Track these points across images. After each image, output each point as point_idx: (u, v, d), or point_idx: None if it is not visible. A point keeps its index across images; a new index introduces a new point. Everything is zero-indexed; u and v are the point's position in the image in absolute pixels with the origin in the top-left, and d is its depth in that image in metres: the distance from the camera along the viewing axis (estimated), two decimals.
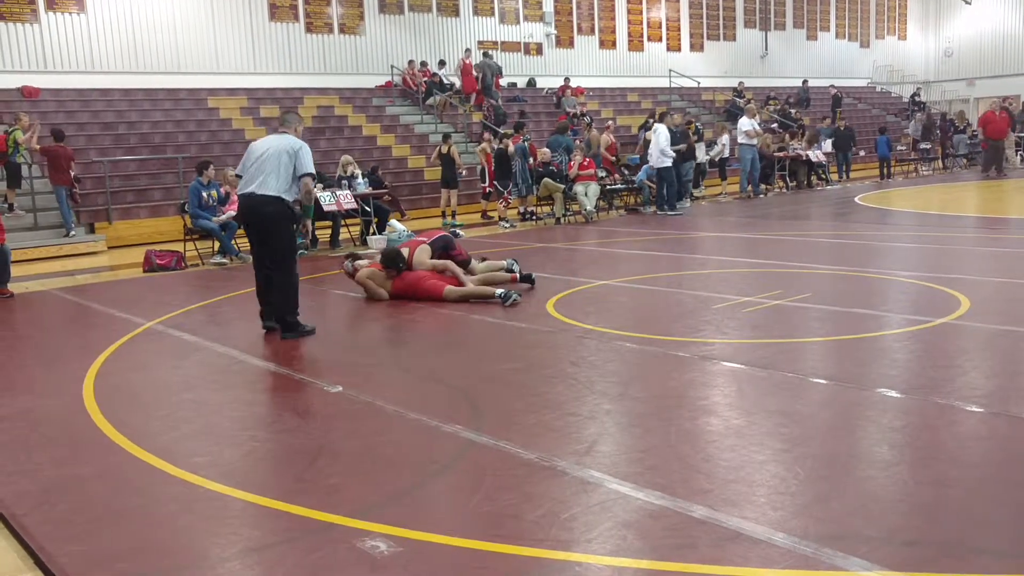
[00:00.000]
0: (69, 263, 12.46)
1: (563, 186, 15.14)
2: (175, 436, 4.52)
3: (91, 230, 14.41)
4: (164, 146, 16.81)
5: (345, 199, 12.65)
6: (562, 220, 15.16)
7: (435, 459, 3.99)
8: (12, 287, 9.61)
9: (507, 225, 14.84)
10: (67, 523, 3.48)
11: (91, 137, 16.50)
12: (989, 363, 5.29)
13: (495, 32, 24.52)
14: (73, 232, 13.87)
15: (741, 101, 24.58)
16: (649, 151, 15.90)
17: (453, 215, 15.74)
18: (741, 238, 12.27)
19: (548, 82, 24.77)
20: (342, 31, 21.57)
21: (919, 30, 36.82)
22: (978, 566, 2.82)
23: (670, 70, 27.16)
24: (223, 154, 16.13)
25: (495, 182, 15.55)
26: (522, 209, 15.68)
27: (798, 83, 29.55)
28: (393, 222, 12.88)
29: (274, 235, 6.75)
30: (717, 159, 19.76)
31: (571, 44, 26.28)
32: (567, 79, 24.26)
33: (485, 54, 22.70)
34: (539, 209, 15.82)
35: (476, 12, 24.08)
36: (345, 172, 13.60)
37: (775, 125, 23.72)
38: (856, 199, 17.41)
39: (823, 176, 20.93)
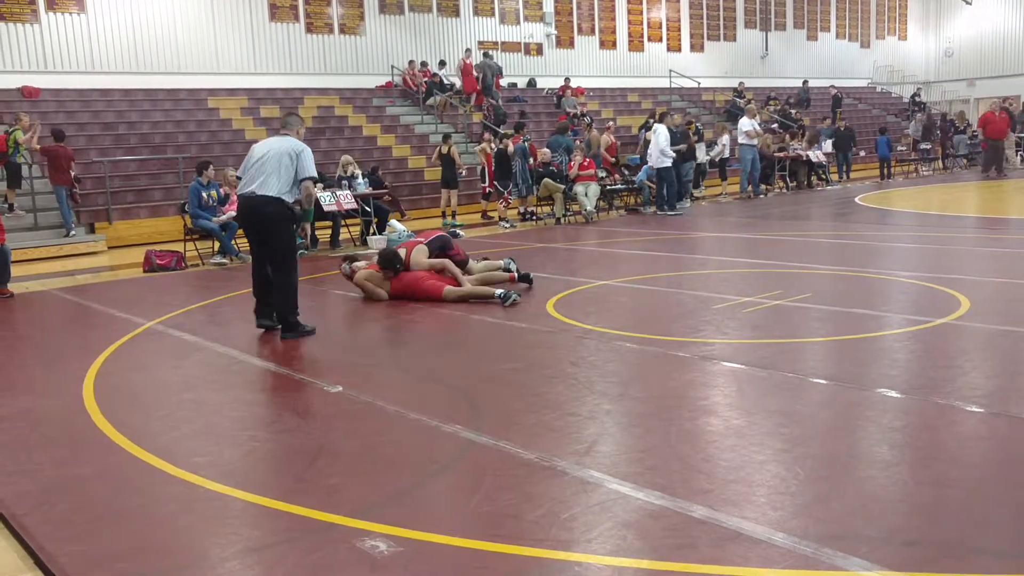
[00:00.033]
0: (69, 263, 12.46)
1: (563, 186, 15.15)
2: (175, 436, 4.52)
3: (91, 230, 14.41)
4: (164, 146, 16.82)
5: (345, 199, 12.65)
6: (562, 220, 15.16)
7: (435, 459, 3.99)
8: (12, 287, 9.62)
9: (507, 225, 14.84)
10: (67, 523, 3.48)
11: (91, 137, 16.50)
12: (989, 363, 5.29)
13: (495, 32, 24.53)
14: (73, 232, 13.87)
15: (741, 101, 24.58)
16: (649, 151, 15.91)
17: (453, 215, 15.74)
18: (741, 238, 12.27)
19: (548, 82, 24.78)
20: (342, 31, 21.58)
21: (919, 30, 36.83)
22: (978, 566, 2.82)
23: (670, 70, 27.17)
24: (223, 154, 16.13)
25: (495, 182, 15.56)
26: (522, 209, 15.68)
27: (798, 83, 29.56)
28: (393, 222, 12.89)
29: (274, 235, 6.75)
30: (717, 159, 19.77)
31: (571, 44, 26.28)
32: (567, 79, 24.27)
33: (485, 54, 22.70)
34: (539, 209, 15.82)
35: (476, 12, 24.09)
36: (345, 172, 13.60)
37: (775, 125, 23.72)
38: (856, 199, 17.41)
39: (823, 176, 20.93)
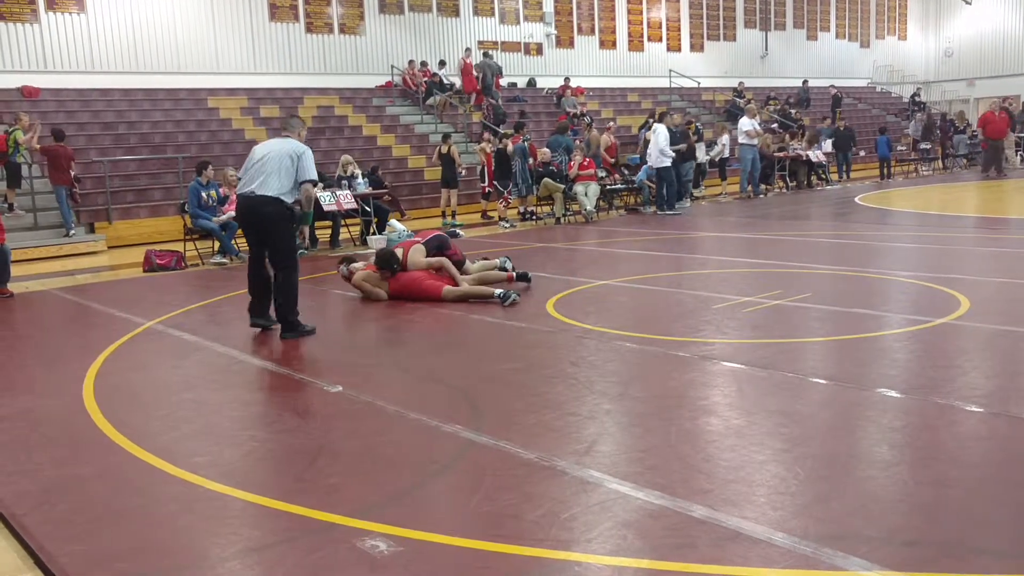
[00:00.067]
0: (69, 263, 12.46)
1: (563, 186, 15.15)
2: (175, 436, 4.52)
3: (91, 230, 14.41)
4: (164, 146, 16.82)
5: (345, 199, 12.65)
6: (562, 220, 15.16)
7: (435, 459, 3.99)
8: (12, 287, 9.62)
9: (507, 225, 14.85)
10: (67, 523, 3.48)
11: (91, 137, 16.50)
12: (989, 363, 5.29)
13: (495, 32, 24.52)
14: (73, 232, 13.87)
15: (741, 101, 24.59)
16: (648, 151, 15.91)
17: (453, 215, 15.74)
18: (741, 238, 12.27)
19: (548, 82, 24.78)
20: (342, 31, 21.58)
21: (919, 30, 36.83)
22: (978, 566, 2.82)
23: (670, 70, 27.16)
24: (223, 154, 16.14)
25: (495, 182, 15.56)
26: (522, 209, 15.68)
27: (798, 83, 29.56)
28: (393, 222, 12.88)
29: (273, 235, 6.75)
30: (717, 159, 19.77)
31: (571, 44, 26.28)
32: (567, 79, 24.27)
33: (485, 54, 22.70)
34: (539, 209, 15.82)
35: (476, 12, 24.08)
36: (345, 172, 13.60)
37: (775, 125, 23.72)
38: (856, 199, 17.41)
39: (823, 176, 20.94)
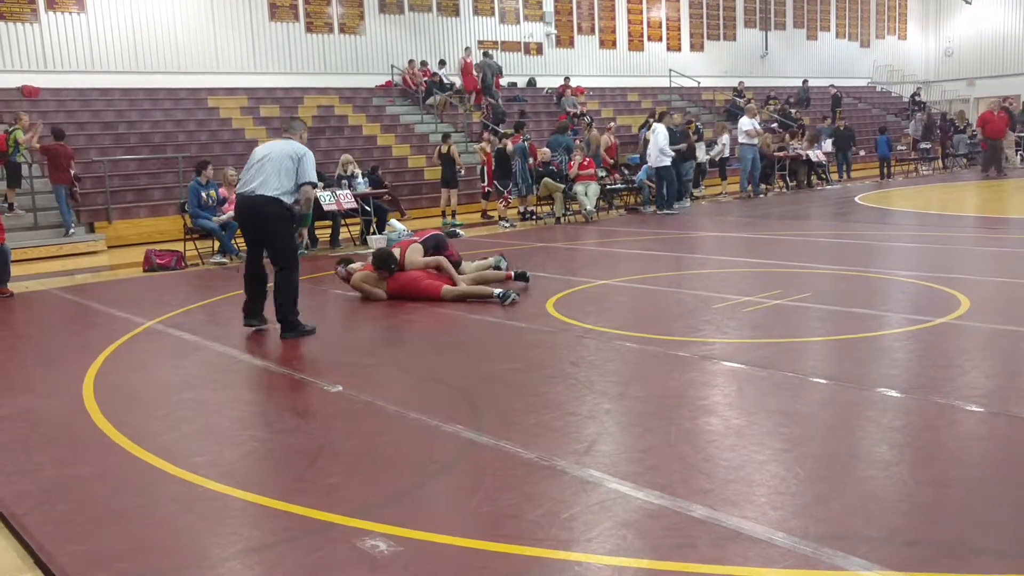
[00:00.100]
0: (69, 263, 12.46)
1: (563, 186, 15.15)
2: (175, 436, 4.52)
3: (91, 229, 14.41)
4: (164, 146, 16.82)
5: (345, 199, 12.65)
6: (562, 220, 15.16)
7: (435, 459, 3.99)
8: (12, 287, 9.61)
9: (507, 225, 14.85)
10: (67, 523, 3.48)
11: (91, 136, 16.50)
12: (989, 363, 5.29)
13: (495, 32, 24.52)
14: (73, 231, 13.87)
15: (741, 101, 24.59)
16: (648, 151, 15.91)
17: (453, 215, 15.74)
18: (741, 238, 12.27)
19: (548, 82, 24.77)
20: (342, 31, 21.57)
21: (919, 30, 36.82)
22: (978, 566, 2.82)
23: (670, 70, 27.15)
24: (223, 154, 16.14)
25: (495, 182, 15.56)
26: (522, 209, 15.68)
27: (798, 83, 29.55)
28: (393, 222, 12.87)
29: (272, 235, 6.75)
30: (717, 159, 19.77)
31: (571, 44, 26.27)
32: (567, 79, 24.26)
33: (485, 54, 22.70)
34: (539, 209, 15.83)
35: (476, 12, 24.08)
36: (345, 171, 13.60)
37: (775, 125, 23.72)
38: (856, 199, 17.42)
39: (823, 176, 20.94)
